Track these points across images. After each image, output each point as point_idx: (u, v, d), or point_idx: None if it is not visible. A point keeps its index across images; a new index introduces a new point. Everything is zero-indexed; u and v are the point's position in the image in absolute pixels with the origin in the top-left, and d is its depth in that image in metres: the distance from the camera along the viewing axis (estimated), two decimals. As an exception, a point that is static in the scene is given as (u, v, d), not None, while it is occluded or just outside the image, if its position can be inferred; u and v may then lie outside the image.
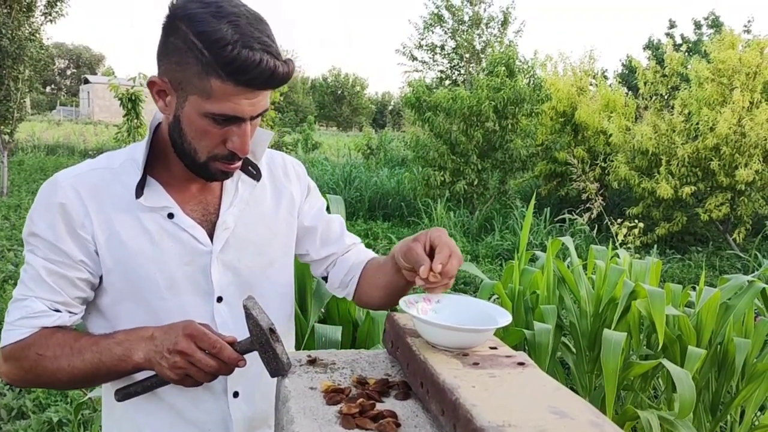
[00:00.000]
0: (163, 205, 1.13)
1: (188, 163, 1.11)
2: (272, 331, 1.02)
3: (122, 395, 1.11)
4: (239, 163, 1.12)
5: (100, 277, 1.13)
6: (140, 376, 1.09)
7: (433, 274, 1.04)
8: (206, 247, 1.16)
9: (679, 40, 18.50)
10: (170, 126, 1.10)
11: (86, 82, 56.05)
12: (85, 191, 1.10)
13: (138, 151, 1.15)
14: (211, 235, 1.17)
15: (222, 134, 1.06)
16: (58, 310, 1.10)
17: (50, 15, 11.45)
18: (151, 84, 1.06)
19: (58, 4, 11.44)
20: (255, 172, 1.24)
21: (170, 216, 1.14)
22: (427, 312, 1.07)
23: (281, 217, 1.28)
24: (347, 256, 1.37)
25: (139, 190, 1.11)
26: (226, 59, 0.96)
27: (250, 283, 1.21)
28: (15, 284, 5.44)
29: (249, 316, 1.00)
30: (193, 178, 1.15)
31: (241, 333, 1.11)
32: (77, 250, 1.09)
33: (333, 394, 0.94)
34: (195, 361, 0.99)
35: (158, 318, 1.12)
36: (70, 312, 1.11)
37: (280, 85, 1.03)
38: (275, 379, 1.12)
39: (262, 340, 1.01)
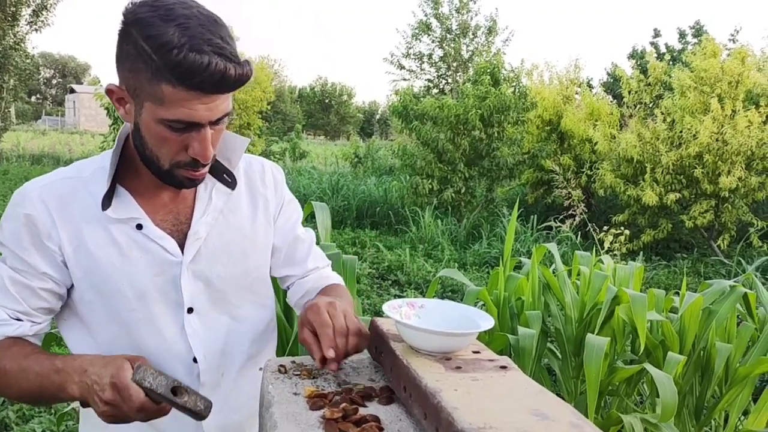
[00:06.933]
0: (131, 216, 1.11)
1: (154, 171, 1.08)
2: (174, 388, 1.01)
3: None
4: (205, 170, 1.09)
5: (72, 286, 1.12)
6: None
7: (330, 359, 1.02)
8: (176, 258, 1.13)
9: (663, 49, 18.71)
10: (132, 134, 1.08)
11: (72, 91, 55.76)
12: (53, 201, 1.08)
13: (108, 159, 1.11)
14: (182, 245, 1.14)
15: (181, 141, 1.02)
16: (19, 319, 1.09)
17: (35, 24, 11.40)
18: (109, 92, 1.04)
19: (44, 13, 11.40)
20: (230, 180, 1.20)
21: (139, 227, 1.11)
22: (410, 317, 1.08)
23: (259, 225, 1.25)
24: (305, 280, 1.34)
25: (107, 201, 1.08)
26: (173, 63, 0.93)
27: (225, 294, 1.19)
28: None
29: (145, 390, 0.98)
30: (164, 187, 1.12)
31: (212, 343, 1.17)
32: (41, 261, 1.08)
33: (316, 399, 0.95)
34: (123, 412, 0.98)
35: (129, 328, 1.12)
36: (32, 322, 1.11)
37: (235, 88, 0.99)
38: (248, 390, 1.16)
39: (169, 403, 1.01)
